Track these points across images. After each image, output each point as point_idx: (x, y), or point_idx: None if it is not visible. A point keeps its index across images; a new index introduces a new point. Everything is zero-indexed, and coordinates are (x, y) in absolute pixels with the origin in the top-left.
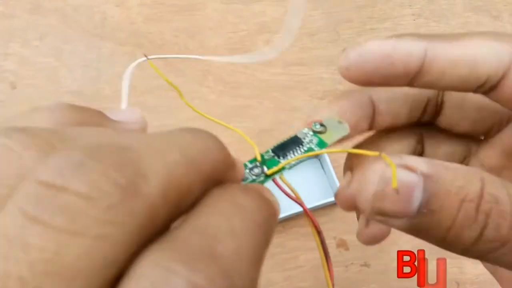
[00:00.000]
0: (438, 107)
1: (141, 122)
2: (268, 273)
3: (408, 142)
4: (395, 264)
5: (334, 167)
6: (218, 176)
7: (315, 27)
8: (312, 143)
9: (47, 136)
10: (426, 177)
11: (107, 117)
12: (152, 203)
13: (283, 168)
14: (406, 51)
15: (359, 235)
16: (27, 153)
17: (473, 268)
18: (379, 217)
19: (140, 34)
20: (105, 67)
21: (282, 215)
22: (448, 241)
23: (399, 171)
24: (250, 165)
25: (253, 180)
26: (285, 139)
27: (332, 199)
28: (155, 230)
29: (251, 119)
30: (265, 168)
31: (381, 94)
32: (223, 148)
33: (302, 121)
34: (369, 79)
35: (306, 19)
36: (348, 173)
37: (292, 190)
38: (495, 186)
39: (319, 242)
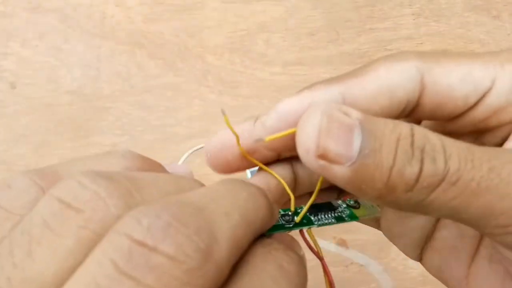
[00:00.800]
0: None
1: (191, 177)
2: None
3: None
4: (394, 264)
5: None
6: (264, 229)
7: (315, 27)
8: (343, 213)
9: (126, 184)
10: (361, 121)
11: (165, 168)
12: (221, 265)
13: (312, 223)
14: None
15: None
16: (111, 201)
17: None
18: (321, 162)
19: (140, 33)
20: (105, 66)
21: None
22: (390, 183)
23: (338, 114)
24: (282, 212)
25: (283, 226)
26: (320, 202)
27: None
28: None
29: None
30: (295, 218)
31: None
32: (270, 205)
33: None
34: (284, 147)
35: (306, 18)
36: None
37: (316, 245)
38: (422, 128)
39: None
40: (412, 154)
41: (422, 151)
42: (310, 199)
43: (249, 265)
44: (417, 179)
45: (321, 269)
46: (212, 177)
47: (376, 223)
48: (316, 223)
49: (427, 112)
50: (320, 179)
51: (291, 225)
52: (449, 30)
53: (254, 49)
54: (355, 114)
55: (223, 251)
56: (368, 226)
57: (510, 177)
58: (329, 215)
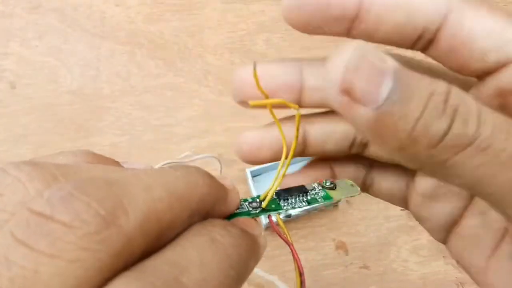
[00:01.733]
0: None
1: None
2: (268, 274)
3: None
4: (394, 265)
5: None
6: (206, 209)
7: None
8: (317, 195)
9: (52, 169)
10: (396, 70)
11: (121, 165)
12: (127, 234)
13: (280, 208)
14: None
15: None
16: (31, 184)
17: None
18: (343, 99)
19: (140, 33)
20: (105, 66)
21: (281, 216)
22: (414, 135)
23: (373, 56)
24: (250, 200)
25: (248, 212)
26: (293, 186)
27: (331, 200)
28: (132, 260)
29: (250, 119)
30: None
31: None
32: (212, 183)
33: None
34: (307, 22)
35: None
36: None
37: (285, 230)
38: (460, 90)
39: (299, 285)
40: (443, 110)
41: (455, 110)
42: (275, 183)
43: (180, 238)
44: (443, 136)
45: (321, 270)
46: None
47: (404, 203)
48: (284, 207)
49: (442, 53)
50: (283, 159)
51: (257, 211)
52: None
53: (254, 49)
54: (391, 62)
55: (132, 221)
56: (367, 229)
57: None
58: (301, 199)
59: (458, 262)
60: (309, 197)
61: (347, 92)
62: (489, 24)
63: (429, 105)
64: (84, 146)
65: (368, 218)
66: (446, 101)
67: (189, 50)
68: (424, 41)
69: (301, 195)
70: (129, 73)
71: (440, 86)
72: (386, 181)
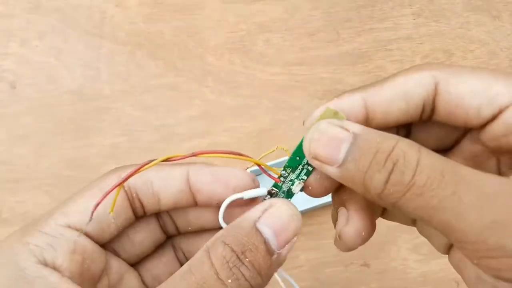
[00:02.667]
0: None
1: None
2: None
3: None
4: (394, 264)
5: None
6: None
7: (315, 27)
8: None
9: None
10: (356, 135)
11: None
12: None
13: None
14: (348, 109)
15: (340, 237)
16: None
17: None
18: (316, 162)
19: (140, 33)
20: (105, 66)
21: None
22: (365, 185)
23: (335, 128)
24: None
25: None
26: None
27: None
28: None
29: (250, 119)
30: None
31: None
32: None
33: (301, 120)
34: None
35: (306, 18)
36: None
37: (271, 170)
38: (408, 145)
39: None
40: (383, 165)
41: (395, 164)
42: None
43: None
44: (384, 185)
45: (321, 268)
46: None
47: (413, 223)
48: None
49: (443, 117)
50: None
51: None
52: (449, 30)
53: (254, 49)
54: (355, 128)
55: None
56: None
57: (471, 203)
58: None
59: (457, 271)
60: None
61: (315, 157)
62: (474, 84)
63: (372, 162)
64: (84, 146)
65: None
66: (387, 157)
67: (189, 50)
68: (426, 113)
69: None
70: (129, 73)
71: (388, 143)
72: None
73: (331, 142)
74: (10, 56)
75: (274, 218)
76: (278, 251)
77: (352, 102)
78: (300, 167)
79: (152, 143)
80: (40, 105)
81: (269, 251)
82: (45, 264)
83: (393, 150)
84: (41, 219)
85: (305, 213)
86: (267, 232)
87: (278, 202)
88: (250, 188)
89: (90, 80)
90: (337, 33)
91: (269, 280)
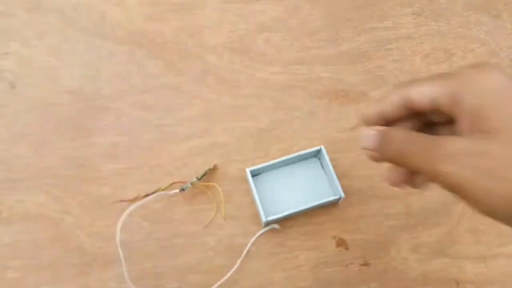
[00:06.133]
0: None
1: None
2: (268, 272)
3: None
4: (394, 263)
5: (334, 167)
6: None
7: (315, 26)
8: None
9: None
10: (382, 132)
11: None
12: None
13: None
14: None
15: (387, 179)
16: None
17: (473, 268)
18: (365, 150)
19: (140, 33)
20: (105, 66)
21: (281, 214)
22: (387, 157)
23: (368, 129)
24: None
25: None
26: None
27: (331, 198)
28: None
29: (251, 118)
30: None
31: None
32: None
33: (301, 119)
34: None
35: (306, 18)
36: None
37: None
38: (400, 132)
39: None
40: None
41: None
42: None
43: None
44: (393, 153)
45: (322, 268)
46: (211, 177)
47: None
48: None
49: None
50: None
51: None
52: (449, 29)
53: (254, 49)
54: (381, 128)
55: None
56: (367, 227)
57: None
58: None
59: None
60: None
61: (365, 148)
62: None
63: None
64: (84, 146)
65: (368, 216)
66: (390, 140)
67: (189, 50)
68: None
69: None
70: (129, 73)
71: (393, 133)
72: None
73: (365, 138)
74: (10, 56)
75: None
76: None
77: (399, 97)
78: None
79: (152, 143)
80: (40, 105)
81: None
82: None
83: (395, 137)
84: None
85: (305, 213)
86: None
87: None
88: None
89: (90, 79)
90: (337, 32)
91: None
